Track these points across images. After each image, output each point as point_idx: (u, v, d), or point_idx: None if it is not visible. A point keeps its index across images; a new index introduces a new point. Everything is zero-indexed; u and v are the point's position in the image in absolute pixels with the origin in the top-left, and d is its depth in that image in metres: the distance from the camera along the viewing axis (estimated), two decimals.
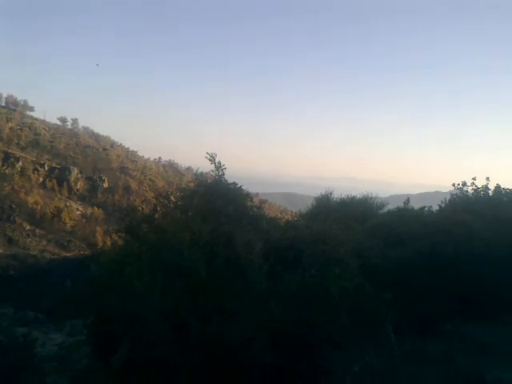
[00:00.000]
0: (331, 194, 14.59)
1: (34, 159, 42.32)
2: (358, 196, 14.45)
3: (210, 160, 7.51)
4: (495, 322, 8.32)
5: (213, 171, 7.63)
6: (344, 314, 6.16)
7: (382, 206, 14.18)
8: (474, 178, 12.32)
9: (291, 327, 5.75)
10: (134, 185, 48.90)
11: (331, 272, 6.52)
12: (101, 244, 30.47)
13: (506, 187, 12.36)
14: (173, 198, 7.71)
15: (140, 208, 8.70)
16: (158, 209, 7.31)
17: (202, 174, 8.65)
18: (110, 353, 5.70)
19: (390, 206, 12.90)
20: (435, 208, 11.98)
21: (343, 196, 14.55)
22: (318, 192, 15.22)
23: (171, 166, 79.58)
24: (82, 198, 41.59)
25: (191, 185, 8.26)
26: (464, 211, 10.57)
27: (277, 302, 5.83)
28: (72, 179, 41.79)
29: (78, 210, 38.24)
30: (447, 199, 12.46)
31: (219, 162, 7.54)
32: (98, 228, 34.18)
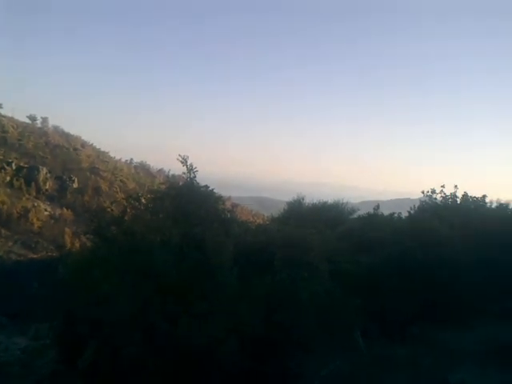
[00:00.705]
0: (303, 198, 14.65)
1: (1, 157, 41.20)
2: (329, 201, 14.55)
3: (182, 162, 7.44)
4: (461, 326, 8.47)
5: (184, 173, 7.56)
6: (313, 317, 6.19)
7: (353, 211, 14.30)
8: (442, 186, 12.63)
9: (260, 330, 5.73)
10: (104, 186, 48.06)
11: (301, 276, 6.55)
12: (69, 246, 29.79)
13: (473, 195, 12.71)
14: (143, 200, 7.60)
15: (109, 209, 8.56)
16: (128, 211, 7.19)
17: (173, 176, 8.57)
18: (76, 355, 5.58)
19: (361, 212, 13.03)
20: (405, 214, 12.17)
21: (315, 201, 14.63)
22: (289, 197, 15.26)
23: (143, 168, 78.60)
24: (50, 199, 40.63)
25: (163, 187, 8.17)
26: (432, 217, 10.78)
27: (246, 304, 5.81)
28: (40, 179, 40.79)
29: (46, 210, 37.33)
30: (416, 206, 12.68)
31: (191, 165, 7.49)
32: (67, 229, 33.42)
